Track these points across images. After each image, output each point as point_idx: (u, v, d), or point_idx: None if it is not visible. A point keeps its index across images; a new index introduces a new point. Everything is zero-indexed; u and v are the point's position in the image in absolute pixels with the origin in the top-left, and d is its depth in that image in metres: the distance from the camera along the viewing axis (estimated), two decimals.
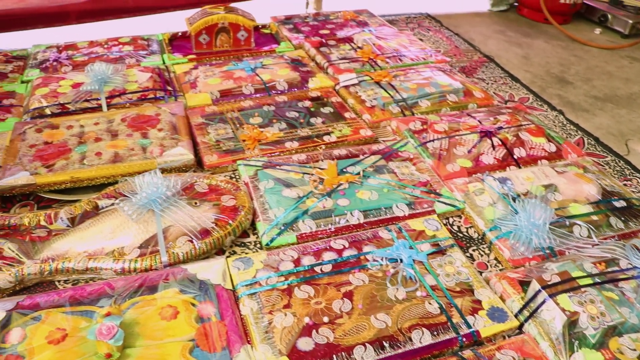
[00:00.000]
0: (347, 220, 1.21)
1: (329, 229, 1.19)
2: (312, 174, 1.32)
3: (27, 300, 1.02)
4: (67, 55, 1.95)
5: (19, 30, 2.25)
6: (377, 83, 1.72)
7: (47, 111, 1.59)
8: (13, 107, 1.65)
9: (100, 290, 1.03)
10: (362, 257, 1.12)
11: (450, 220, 1.29)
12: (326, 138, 1.48)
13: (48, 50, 2.01)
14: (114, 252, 1.12)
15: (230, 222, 1.17)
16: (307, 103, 1.63)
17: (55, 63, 1.91)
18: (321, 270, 1.08)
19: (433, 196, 1.30)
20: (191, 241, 1.12)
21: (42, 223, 1.20)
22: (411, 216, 1.24)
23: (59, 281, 1.11)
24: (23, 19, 2.20)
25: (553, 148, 1.50)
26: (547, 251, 1.17)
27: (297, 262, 1.10)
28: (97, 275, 1.11)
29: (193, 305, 1.01)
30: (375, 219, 1.22)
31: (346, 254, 1.12)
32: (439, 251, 1.15)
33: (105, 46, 2.02)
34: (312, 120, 1.55)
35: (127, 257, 1.10)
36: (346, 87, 1.73)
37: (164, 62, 1.91)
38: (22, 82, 1.83)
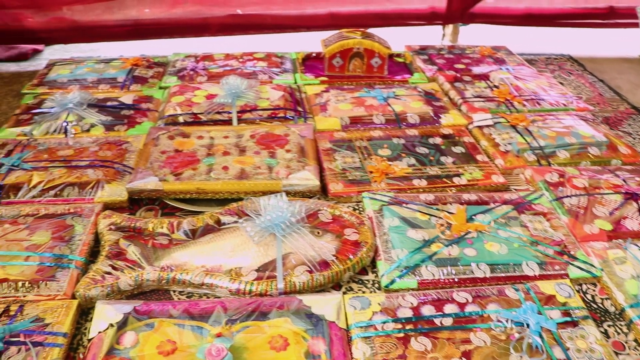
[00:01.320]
0: (473, 272, 1.14)
1: (453, 279, 1.12)
2: (440, 217, 1.25)
3: (144, 306, 1.03)
4: (203, 66, 2.01)
5: (162, 38, 2.38)
6: (513, 127, 1.63)
7: (181, 119, 1.64)
8: (149, 112, 1.72)
9: (213, 308, 1.03)
10: (485, 315, 1.04)
11: (584, 287, 1.18)
12: (456, 180, 1.41)
13: (186, 59, 2.08)
14: (231, 272, 1.11)
15: (351, 257, 1.14)
16: (438, 140, 1.57)
17: (192, 72, 1.97)
18: (441, 323, 1.02)
19: (567, 258, 1.19)
20: (310, 272, 1.10)
21: (165, 231, 1.22)
22: (541, 277, 1.15)
23: (174, 291, 1.12)
24: (168, 27, 2.32)
25: None
26: None
27: (416, 310, 1.04)
28: (211, 292, 1.10)
29: (304, 339, 0.98)
30: (503, 274, 1.14)
31: (469, 309, 1.05)
32: (571, 322, 1.05)
33: (240, 60, 2.06)
34: (442, 159, 1.49)
35: (244, 279, 1.09)
36: (480, 127, 1.66)
37: (295, 82, 1.92)
38: (160, 88, 1.90)
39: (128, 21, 2.35)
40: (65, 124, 1.60)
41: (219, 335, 0.95)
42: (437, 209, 1.28)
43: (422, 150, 1.52)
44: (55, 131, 1.60)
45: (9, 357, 0.93)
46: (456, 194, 1.35)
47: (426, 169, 1.45)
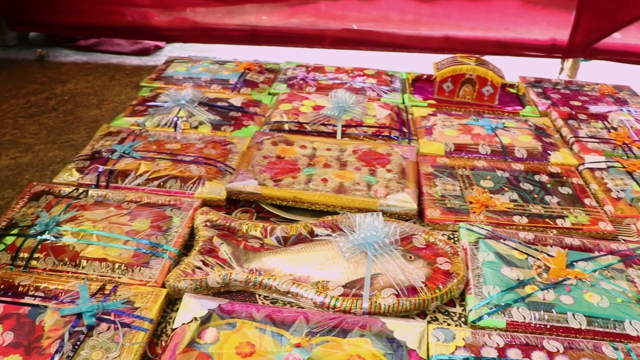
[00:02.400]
0: (567, 321, 1.07)
1: (545, 325, 1.07)
2: (538, 259, 1.20)
3: (229, 305, 1.05)
4: (313, 77, 2.04)
5: (276, 45, 2.45)
6: (629, 173, 1.54)
7: (286, 127, 1.67)
8: (256, 116, 1.76)
9: (296, 317, 1.03)
10: None
11: None
12: (559, 222, 1.34)
13: (297, 69, 2.12)
14: (318, 284, 1.11)
15: (441, 286, 1.11)
16: (544, 178, 1.50)
17: (301, 82, 2.00)
18: None
19: None
20: (397, 295, 1.08)
21: (258, 234, 1.24)
22: None
23: (259, 295, 1.14)
24: (283, 36, 2.38)
25: None
26: None
27: (501, 351, 0.99)
28: (295, 301, 1.11)
29: None
30: (601, 329, 1.06)
31: (559, 359, 0.99)
32: None
33: (351, 75, 2.08)
34: (547, 198, 1.42)
35: (330, 293, 1.09)
36: (591, 169, 1.57)
37: (403, 102, 1.91)
38: (269, 93, 1.95)
39: (246, 26, 2.43)
40: (175, 118, 1.68)
41: (297, 346, 0.95)
42: (536, 250, 1.23)
43: (527, 186, 1.46)
44: (165, 125, 1.67)
45: (99, 333, 0.98)
46: (558, 237, 1.28)
47: (529, 206, 1.39)
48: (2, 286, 1.07)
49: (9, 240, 1.19)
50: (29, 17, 2.45)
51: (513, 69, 2.17)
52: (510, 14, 2.35)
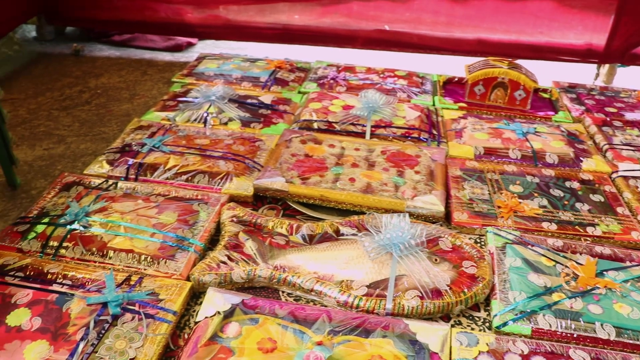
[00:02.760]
0: (595, 331, 1.05)
1: (572, 334, 1.05)
2: (566, 266, 1.18)
3: (252, 300, 1.05)
4: (344, 76, 2.04)
5: (308, 44, 2.46)
6: None
7: (315, 125, 1.66)
8: (285, 114, 1.76)
9: (318, 315, 1.03)
10: None
11: None
12: (589, 229, 1.32)
13: (328, 68, 2.12)
14: (342, 283, 1.11)
15: (466, 290, 1.09)
16: (576, 184, 1.48)
17: (332, 81, 2.00)
18: None
19: None
20: (421, 297, 1.07)
21: (283, 231, 1.24)
22: None
23: (282, 292, 1.14)
24: (315, 35, 2.39)
25: None
26: None
27: (525, 358, 0.98)
28: (319, 299, 1.11)
29: None
30: (630, 341, 1.04)
31: None
32: None
33: (381, 75, 2.07)
34: (578, 205, 1.40)
35: (354, 292, 1.09)
36: (625, 177, 1.53)
37: (434, 104, 1.90)
38: (299, 92, 1.95)
39: (278, 25, 2.45)
40: (205, 114, 1.69)
41: (319, 344, 0.96)
42: (565, 257, 1.21)
43: (557, 192, 1.44)
44: (195, 120, 1.69)
45: (124, 322, 1.00)
46: (588, 245, 1.26)
47: (558, 212, 1.36)
48: (31, 273, 1.10)
49: (39, 228, 1.22)
50: (66, 12, 2.51)
51: (547, 74, 2.13)
52: (544, 18, 2.32)
